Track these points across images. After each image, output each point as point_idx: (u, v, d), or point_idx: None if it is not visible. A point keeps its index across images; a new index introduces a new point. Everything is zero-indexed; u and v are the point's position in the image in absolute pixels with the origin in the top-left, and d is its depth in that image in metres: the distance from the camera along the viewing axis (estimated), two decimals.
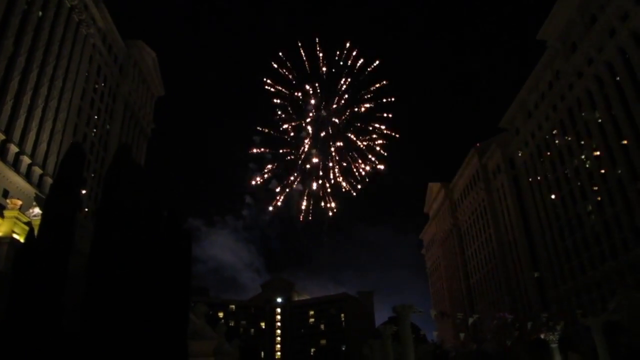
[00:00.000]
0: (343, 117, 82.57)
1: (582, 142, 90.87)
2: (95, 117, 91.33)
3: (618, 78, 79.23)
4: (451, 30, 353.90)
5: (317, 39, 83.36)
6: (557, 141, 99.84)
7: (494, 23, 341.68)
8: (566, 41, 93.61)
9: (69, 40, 79.86)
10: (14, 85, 65.71)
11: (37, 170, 70.76)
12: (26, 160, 68.04)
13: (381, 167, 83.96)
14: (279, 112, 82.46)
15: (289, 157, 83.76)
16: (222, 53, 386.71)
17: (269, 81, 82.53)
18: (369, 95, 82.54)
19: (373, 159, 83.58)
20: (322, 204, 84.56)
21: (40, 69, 72.01)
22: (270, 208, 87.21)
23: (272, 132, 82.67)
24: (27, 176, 68.14)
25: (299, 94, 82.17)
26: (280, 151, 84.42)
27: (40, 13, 72.25)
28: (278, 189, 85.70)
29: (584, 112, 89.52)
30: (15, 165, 65.29)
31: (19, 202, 41.79)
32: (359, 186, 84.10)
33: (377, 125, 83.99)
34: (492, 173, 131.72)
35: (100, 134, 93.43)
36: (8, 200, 48.57)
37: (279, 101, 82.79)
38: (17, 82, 66.49)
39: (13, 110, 65.66)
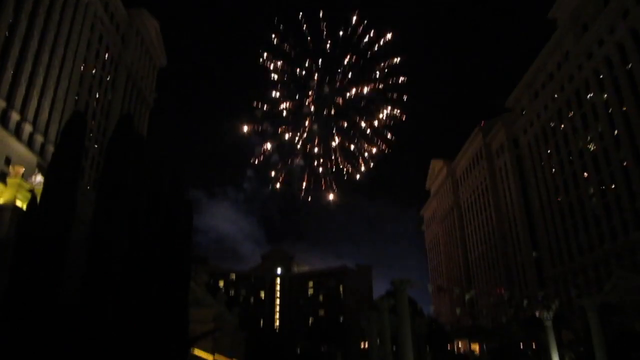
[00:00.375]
0: (347, 96, 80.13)
1: (588, 124, 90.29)
2: (97, 86, 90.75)
3: (628, 60, 78.23)
4: (460, 6, 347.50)
5: (321, 11, 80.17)
6: (562, 122, 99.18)
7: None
8: (577, 21, 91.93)
9: (70, 7, 78.61)
10: (15, 53, 65.06)
11: (39, 139, 70.72)
12: (28, 128, 67.94)
13: (386, 150, 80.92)
14: (279, 88, 79.96)
15: (287, 136, 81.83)
16: (225, 23, 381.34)
17: (266, 55, 79.29)
18: (377, 74, 79.60)
19: (378, 141, 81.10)
20: (322, 184, 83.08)
21: (41, 36, 71.11)
22: (270, 187, 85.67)
23: (272, 108, 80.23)
24: (29, 144, 68.15)
25: (301, 71, 79.56)
26: (279, 130, 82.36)
27: None
28: (279, 166, 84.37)
29: (592, 94, 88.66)
30: (17, 133, 65.24)
31: (22, 170, 41.95)
32: (362, 168, 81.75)
33: (384, 110, 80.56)
34: (495, 152, 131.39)
35: (102, 103, 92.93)
36: (10, 168, 48.75)
37: (277, 77, 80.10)
38: (18, 50, 65.82)
39: (14, 77, 65.22)
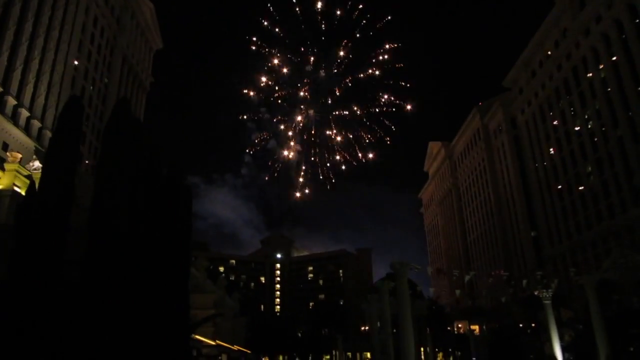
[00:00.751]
0: (343, 83, 78.13)
1: (585, 102, 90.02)
2: (93, 70, 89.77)
3: (626, 37, 77.56)
4: None
5: None
6: (560, 101, 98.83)
7: None
8: None
9: None
10: (10, 36, 64.17)
11: (36, 124, 70.21)
12: (25, 113, 67.35)
13: (385, 138, 78.86)
14: (273, 75, 77.74)
15: (282, 126, 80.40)
16: (221, 5, 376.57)
17: (259, 41, 76.65)
18: (374, 59, 77.25)
19: (376, 128, 79.21)
20: (320, 172, 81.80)
21: (36, 18, 70.04)
22: (267, 176, 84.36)
23: (267, 95, 78.22)
24: (26, 129, 67.66)
25: (296, 57, 77.29)
26: (274, 120, 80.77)
27: None
28: (276, 155, 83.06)
29: (589, 71, 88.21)
30: (13, 118, 64.72)
31: (19, 155, 41.77)
32: (360, 156, 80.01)
33: (382, 98, 78.03)
34: (493, 133, 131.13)
35: (99, 87, 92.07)
36: (8, 154, 48.45)
37: (270, 63, 77.86)
38: (13, 33, 64.91)
39: (9, 61, 64.43)
